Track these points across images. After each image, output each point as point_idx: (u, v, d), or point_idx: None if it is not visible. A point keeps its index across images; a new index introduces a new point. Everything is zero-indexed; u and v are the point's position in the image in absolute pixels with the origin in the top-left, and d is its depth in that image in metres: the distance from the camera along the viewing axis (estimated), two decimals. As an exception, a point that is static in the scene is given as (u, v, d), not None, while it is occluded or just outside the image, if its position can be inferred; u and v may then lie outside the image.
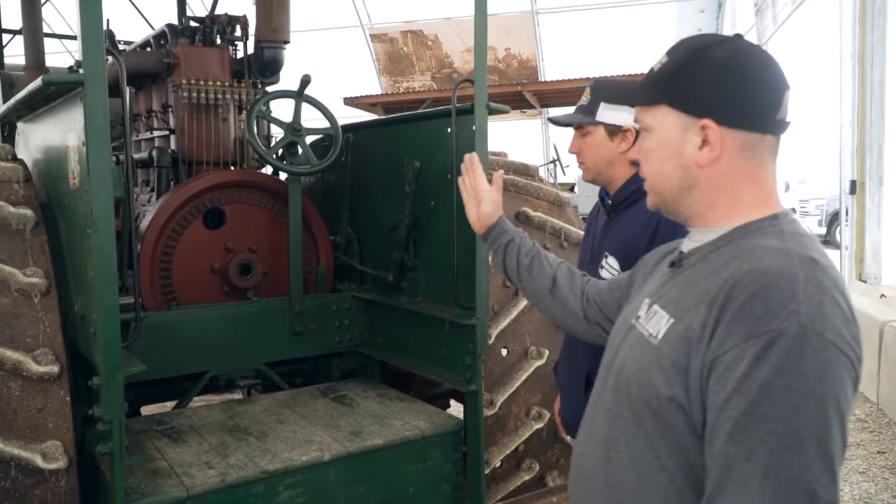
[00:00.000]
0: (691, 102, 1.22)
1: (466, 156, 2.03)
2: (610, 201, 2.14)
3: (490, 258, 2.00)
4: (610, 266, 2.05)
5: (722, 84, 1.19)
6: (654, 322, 1.24)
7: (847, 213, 7.74)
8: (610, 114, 2.05)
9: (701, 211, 1.26)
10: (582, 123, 2.09)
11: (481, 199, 1.95)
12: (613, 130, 2.07)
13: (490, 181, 1.97)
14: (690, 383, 1.12)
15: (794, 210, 17.05)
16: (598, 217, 2.23)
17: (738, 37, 1.25)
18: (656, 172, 1.29)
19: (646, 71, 1.32)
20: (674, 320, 1.19)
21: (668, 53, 1.27)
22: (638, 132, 1.90)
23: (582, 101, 2.11)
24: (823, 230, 18.08)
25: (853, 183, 7.48)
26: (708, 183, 1.23)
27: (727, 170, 1.22)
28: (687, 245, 1.31)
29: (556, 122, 2.19)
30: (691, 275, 1.23)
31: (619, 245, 2.05)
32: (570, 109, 2.26)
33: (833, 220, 16.94)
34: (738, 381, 1.04)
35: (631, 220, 2.03)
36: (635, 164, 2.07)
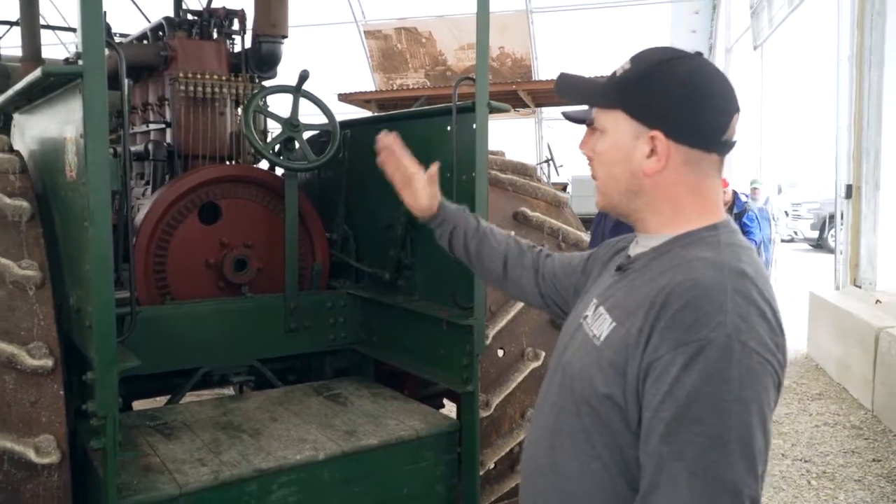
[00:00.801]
0: (646, 112, 1.27)
1: (382, 135, 1.95)
2: None
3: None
4: None
5: (677, 100, 1.25)
6: (599, 324, 1.31)
7: (842, 218, 7.76)
8: None
9: (646, 216, 1.33)
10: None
11: (416, 189, 1.92)
12: None
13: (433, 173, 1.92)
14: (627, 384, 1.19)
15: (786, 213, 17.12)
16: (607, 218, 2.21)
17: (699, 55, 1.30)
18: (606, 174, 1.36)
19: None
20: (615, 324, 1.26)
21: (632, 61, 1.32)
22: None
23: None
24: (815, 234, 18.15)
25: (849, 187, 7.50)
26: (653, 190, 1.30)
27: (671, 180, 1.28)
28: (634, 249, 1.39)
29: (569, 117, 2.17)
30: (634, 280, 1.30)
31: None
32: (571, 110, 2.25)
33: (825, 224, 17.01)
34: (670, 385, 1.12)
35: None
36: None
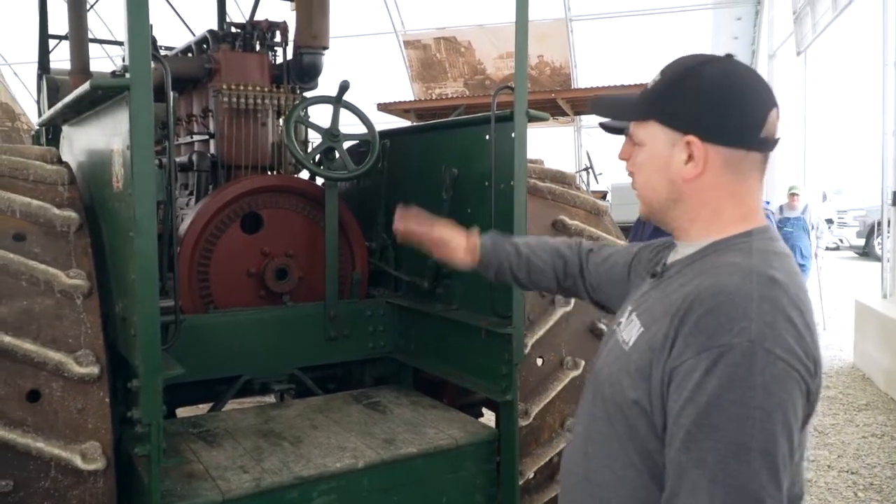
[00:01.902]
0: (678, 119, 1.29)
1: (396, 224, 1.99)
2: None
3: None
4: None
5: (707, 102, 1.26)
6: (629, 330, 1.32)
7: (889, 225, 7.59)
8: None
9: (684, 224, 1.34)
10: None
11: (452, 248, 1.94)
12: None
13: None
14: (652, 389, 1.20)
15: (830, 221, 16.76)
16: (646, 224, 2.19)
17: (729, 56, 1.31)
18: (646, 184, 1.38)
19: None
20: (643, 329, 1.27)
21: (662, 72, 1.34)
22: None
23: None
24: (861, 242, 17.73)
25: (895, 194, 7.34)
26: (692, 197, 1.31)
27: (710, 185, 1.28)
28: (671, 256, 1.40)
29: (606, 127, 2.16)
30: (666, 287, 1.31)
31: None
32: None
33: (872, 231, 16.60)
34: (691, 391, 1.11)
35: None
36: None
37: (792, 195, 9.47)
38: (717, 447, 1.08)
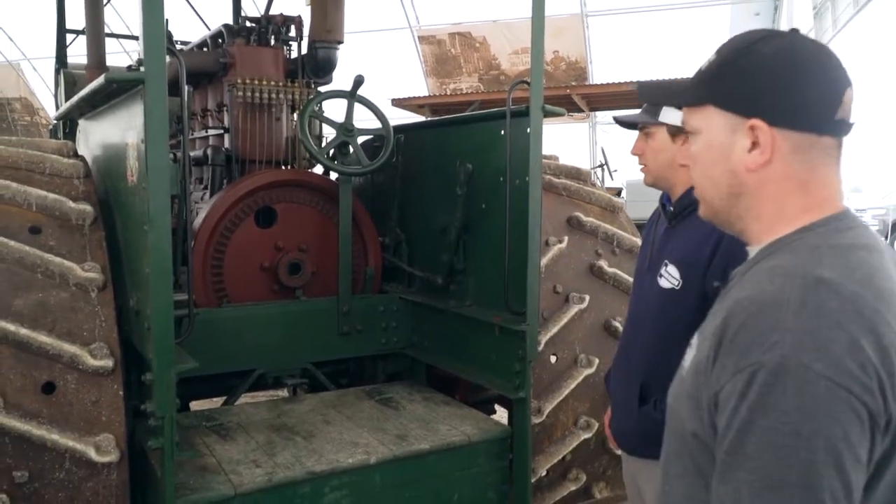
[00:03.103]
0: (739, 101, 1.13)
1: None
2: (672, 208, 2.08)
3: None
4: (669, 275, 2.00)
5: (772, 80, 1.10)
6: (689, 352, 1.18)
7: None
8: (673, 115, 1.97)
9: (749, 224, 1.18)
10: (646, 123, 2.04)
11: None
12: (675, 132, 2.00)
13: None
14: (704, 418, 1.06)
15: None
16: (657, 223, 2.17)
17: (794, 31, 1.15)
18: (704, 177, 1.21)
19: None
20: (695, 351, 1.14)
21: (717, 52, 1.18)
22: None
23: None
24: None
25: (917, 192, 7.25)
26: (757, 189, 1.14)
27: (778, 175, 1.12)
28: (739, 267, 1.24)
29: (620, 121, 2.14)
30: (722, 301, 1.15)
31: (679, 254, 1.99)
32: (626, 113, 2.21)
33: (891, 230, 16.43)
34: (728, 418, 0.99)
35: (693, 229, 1.96)
36: None
37: None
38: (752, 480, 0.95)
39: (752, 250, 1.18)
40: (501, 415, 3.78)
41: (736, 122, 1.13)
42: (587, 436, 3.06)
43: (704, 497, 1.09)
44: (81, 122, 3.50)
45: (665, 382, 1.28)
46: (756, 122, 1.11)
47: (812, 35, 11.01)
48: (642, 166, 2.13)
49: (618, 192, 11.23)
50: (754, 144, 1.12)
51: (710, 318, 1.14)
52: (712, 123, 1.17)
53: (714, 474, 1.03)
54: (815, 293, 0.98)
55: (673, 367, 1.26)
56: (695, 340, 1.18)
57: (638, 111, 2.12)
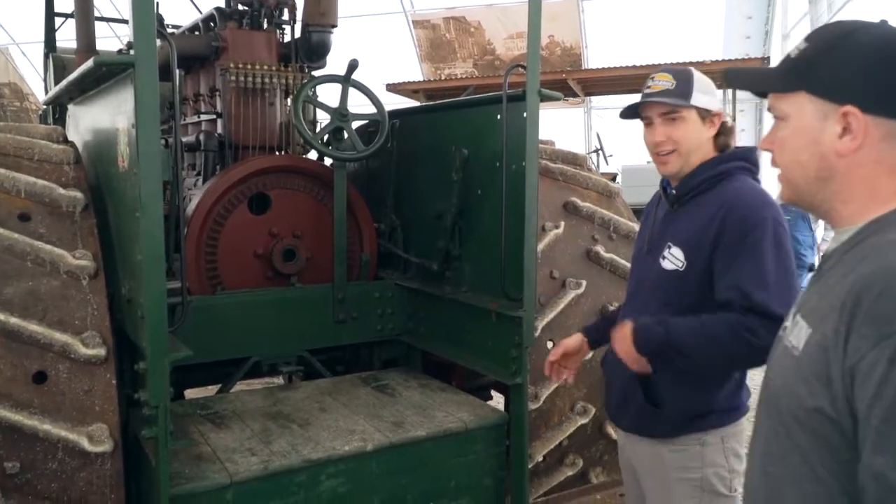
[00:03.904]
0: (833, 89, 1.18)
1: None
2: (674, 191, 2.10)
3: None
4: (673, 256, 2.03)
5: (867, 69, 1.15)
6: (796, 333, 1.20)
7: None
8: (702, 98, 2.02)
9: (837, 206, 1.23)
10: (677, 107, 2.01)
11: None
12: (705, 115, 2.04)
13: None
14: (835, 393, 1.07)
15: None
16: (657, 208, 2.17)
17: (884, 22, 1.20)
18: (792, 161, 1.26)
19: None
20: (811, 330, 1.15)
21: (807, 39, 1.24)
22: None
23: (662, 85, 2.02)
24: None
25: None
26: (846, 174, 1.19)
27: (868, 160, 1.17)
28: (829, 246, 1.27)
29: (625, 114, 2.11)
30: (828, 279, 1.19)
31: (684, 236, 2.02)
32: (622, 98, 2.18)
33: None
34: (877, 386, 0.99)
35: (697, 211, 2.01)
36: (723, 150, 2.07)
37: None
38: None
39: (842, 231, 1.22)
40: (498, 401, 3.77)
41: (828, 109, 1.18)
42: (584, 421, 3.05)
43: (810, 475, 1.13)
44: (71, 108, 3.46)
45: None
46: (850, 108, 1.16)
47: (807, 19, 10.98)
48: (664, 153, 2.06)
49: (613, 178, 11.21)
50: (845, 130, 1.17)
51: (820, 296, 1.18)
52: (803, 110, 1.22)
53: (860, 447, 1.03)
54: None
55: None
56: (799, 320, 1.20)
57: (637, 100, 2.09)
